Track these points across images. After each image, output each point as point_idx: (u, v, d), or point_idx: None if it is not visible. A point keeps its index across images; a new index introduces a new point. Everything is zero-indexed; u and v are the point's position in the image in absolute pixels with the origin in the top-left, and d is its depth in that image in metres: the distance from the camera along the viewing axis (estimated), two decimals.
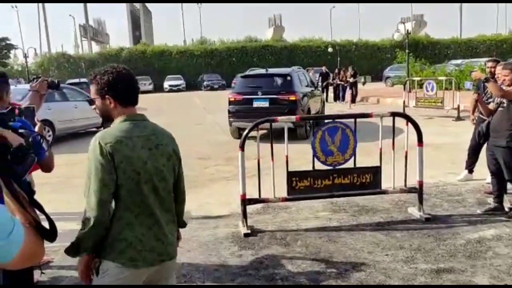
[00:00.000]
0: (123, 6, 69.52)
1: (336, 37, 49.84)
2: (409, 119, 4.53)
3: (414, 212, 4.61)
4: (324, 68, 20.65)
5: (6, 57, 47.63)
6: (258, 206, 4.72)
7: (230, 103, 10.19)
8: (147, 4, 76.95)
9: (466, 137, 6.04)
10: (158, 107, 20.86)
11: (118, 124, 1.84)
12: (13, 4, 50.60)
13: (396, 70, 28.53)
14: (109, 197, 1.77)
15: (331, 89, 19.94)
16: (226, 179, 6.44)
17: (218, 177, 6.67)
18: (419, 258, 3.60)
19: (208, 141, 10.14)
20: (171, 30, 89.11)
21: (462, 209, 4.77)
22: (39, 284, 3.35)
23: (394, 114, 4.54)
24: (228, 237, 4.16)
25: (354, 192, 4.50)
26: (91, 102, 1.75)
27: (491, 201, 4.71)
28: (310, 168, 4.42)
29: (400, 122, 4.62)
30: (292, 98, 9.68)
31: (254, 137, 4.54)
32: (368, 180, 4.46)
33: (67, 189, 6.18)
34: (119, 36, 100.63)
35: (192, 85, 37.04)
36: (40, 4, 48.78)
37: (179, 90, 34.63)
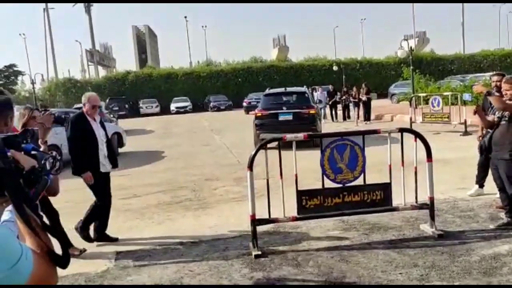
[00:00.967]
0: (129, 30, 70.86)
1: (340, 55, 50.22)
2: (417, 135, 4.51)
3: (426, 228, 4.55)
4: (331, 87, 20.65)
5: (13, 83, 48.36)
6: (268, 226, 4.69)
7: (257, 117, 11.58)
8: (152, 27, 78.33)
9: (474, 151, 5.97)
10: (166, 129, 21.01)
11: None
12: (21, 32, 51.60)
13: (401, 87, 28.54)
14: None
15: (338, 107, 19.78)
16: (235, 200, 6.42)
17: (227, 198, 6.64)
18: (434, 276, 3.54)
19: (216, 162, 10.16)
20: (177, 52, 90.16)
21: (475, 225, 4.70)
22: None
23: (402, 130, 4.54)
24: (238, 258, 4.12)
25: (364, 210, 4.46)
26: None
27: (503, 216, 4.65)
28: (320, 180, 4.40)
29: (408, 138, 4.60)
30: (312, 112, 11.47)
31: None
32: (379, 197, 4.43)
33: (75, 215, 6.17)
34: (126, 60, 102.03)
35: (199, 107, 37.27)
36: (47, 30, 49.69)
37: (185, 112, 34.85)
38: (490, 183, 5.70)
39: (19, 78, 49.61)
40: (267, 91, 13.53)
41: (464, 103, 12.38)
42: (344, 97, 18.96)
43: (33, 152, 1.28)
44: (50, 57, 50.66)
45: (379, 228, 4.73)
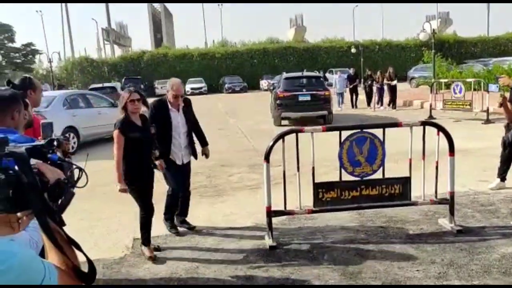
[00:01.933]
0: (145, 9, 70.50)
1: (358, 37, 49.22)
2: (440, 128, 4.38)
3: (445, 223, 4.47)
4: (352, 70, 19.32)
5: (31, 62, 48.81)
6: (284, 217, 4.66)
7: (278, 98, 13.18)
8: (169, 7, 77.85)
9: (497, 141, 5.82)
10: None
11: None
12: (38, 9, 51.90)
13: (421, 70, 27.90)
14: None
15: (360, 92, 18.40)
16: (251, 188, 6.40)
17: (242, 185, 6.63)
18: (452, 274, 3.47)
19: (231, 147, 10.13)
20: (193, 32, 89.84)
21: (495, 220, 4.60)
22: None
23: (424, 124, 4.41)
24: (253, 249, 4.12)
25: (382, 203, 4.39)
26: None
27: None
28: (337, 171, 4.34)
29: (430, 129, 4.47)
30: (327, 93, 13.39)
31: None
32: (397, 191, 4.34)
33: (91, 198, 6.24)
34: (141, 39, 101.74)
35: (214, 88, 37.20)
36: (64, 8, 49.87)
37: (200, 93, 34.81)
38: None
39: (37, 56, 50.05)
40: (285, 74, 15.21)
41: (487, 89, 12.05)
42: (369, 81, 17.36)
43: (59, 162, 1.23)
44: (66, 35, 50.96)
45: (396, 221, 4.66)
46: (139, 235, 4.63)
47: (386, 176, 4.39)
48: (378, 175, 4.36)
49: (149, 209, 4.06)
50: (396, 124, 4.46)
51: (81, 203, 5.93)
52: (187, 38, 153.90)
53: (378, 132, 4.33)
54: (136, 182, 3.90)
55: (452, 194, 4.39)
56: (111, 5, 55.65)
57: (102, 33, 57.32)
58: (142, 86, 35.26)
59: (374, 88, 16.93)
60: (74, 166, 1.26)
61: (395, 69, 17.16)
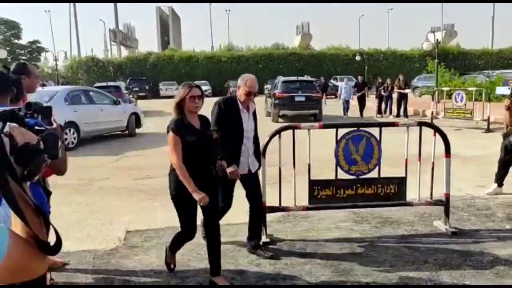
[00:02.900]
0: (153, 11, 70.85)
1: (364, 45, 49.31)
2: (437, 129, 4.39)
3: (439, 225, 4.46)
4: (360, 78, 19.08)
5: (36, 59, 49.18)
6: (278, 214, 4.65)
7: (277, 98, 15.26)
8: (176, 10, 78.28)
9: (496, 149, 5.84)
10: None
11: None
12: (46, 9, 52.35)
13: (424, 80, 27.90)
14: None
15: (372, 100, 18.06)
16: None
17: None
18: (444, 274, 3.46)
19: None
20: (199, 36, 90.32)
21: (490, 224, 4.58)
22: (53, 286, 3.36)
23: (421, 124, 4.41)
24: (246, 245, 4.10)
25: (377, 203, 4.38)
26: None
27: None
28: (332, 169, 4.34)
29: (428, 133, 4.48)
30: (319, 95, 16.35)
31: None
32: (393, 191, 4.33)
33: (88, 192, 6.27)
34: (148, 41, 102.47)
35: (218, 91, 37.28)
36: (72, 8, 50.23)
37: (205, 96, 34.78)
38: (510, 183, 5.55)
39: (42, 54, 50.41)
40: (282, 78, 18.27)
41: (489, 99, 12.04)
42: (381, 89, 16.99)
43: (37, 128, 1.21)
44: (74, 35, 51.27)
45: (391, 222, 4.65)
46: (132, 228, 4.65)
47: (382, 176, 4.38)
48: (374, 174, 4.35)
49: (191, 231, 3.35)
50: (393, 124, 4.46)
51: (76, 196, 5.97)
52: (194, 42, 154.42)
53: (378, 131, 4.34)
54: (185, 195, 3.12)
55: (447, 196, 4.37)
56: (119, 7, 56.22)
57: (109, 34, 57.65)
58: (147, 87, 35.44)
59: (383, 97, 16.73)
60: (49, 132, 1.23)
61: (406, 77, 16.79)
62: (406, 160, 4.38)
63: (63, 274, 3.54)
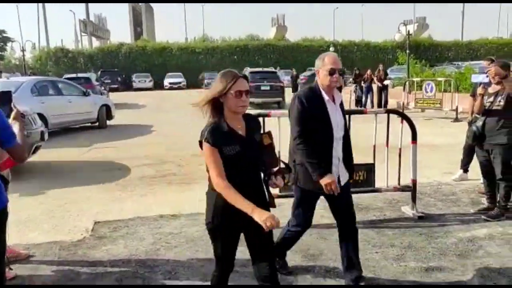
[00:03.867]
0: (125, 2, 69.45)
1: (338, 37, 49.72)
2: (403, 116, 4.46)
3: (407, 210, 4.55)
4: (356, 69, 18.68)
5: (2, 49, 47.63)
6: None
7: None
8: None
9: (464, 138, 5.97)
10: (158, 104, 20.81)
11: None
12: None
13: (397, 71, 28.36)
14: None
15: (347, 91, 17.21)
16: None
17: None
18: (410, 256, 3.54)
19: None
20: (173, 27, 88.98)
21: (455, 209, 4.72)
22: (14, 281, 3.26)
23: (388, 111, 4.48)
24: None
25: None
26: None
27: (484, 201, 4.65)
28: None
29: (397, 122, 4.54)
30: (282, 84, 18.55)
31: None
32: (362, 178, 4.40)
33: (56, 183, 6.11)
34: (120, 32, 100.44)
35: (193, 83, 36.94)
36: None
37: (179, 88, 34.45)
38: (474, 169, 5.70)
39: (8, 44, 48.72)
40: (249, 69, 20.63)
41: (458, 89, 12.36)
42: (360, 80, 16.41)
43: None
44: (42, 25, 49.73)
45: (361, 209, 4.71)
46: (100, 219, 4.56)
47: None
48: None
49: (228, 268, 2.51)
50: (361, 111, 4.51)
51: (44, 188, 5.82)
52: (168, 33, 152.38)
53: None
54: (225, 225, 2.31)
55: (414, 182, 4.47)
56: None
57: (79, 24, 56.18)
58: (119, 79, 34.74)
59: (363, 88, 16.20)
60: None
61: (385, 68, 16.35)
62: (374, 146, 4.44)
63: (26, 266, 3.45)
